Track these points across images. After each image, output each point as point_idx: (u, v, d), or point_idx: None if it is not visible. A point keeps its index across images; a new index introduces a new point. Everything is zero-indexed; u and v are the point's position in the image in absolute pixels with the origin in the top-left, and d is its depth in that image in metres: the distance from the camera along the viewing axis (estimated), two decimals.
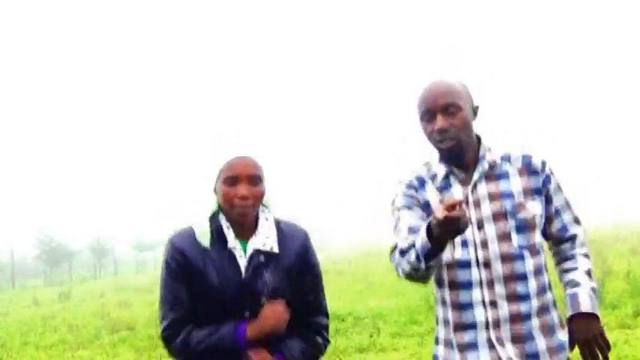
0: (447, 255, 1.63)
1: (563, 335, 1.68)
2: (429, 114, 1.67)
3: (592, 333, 1.60)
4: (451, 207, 1.38)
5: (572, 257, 1.74)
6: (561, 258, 1.77)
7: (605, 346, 1.60)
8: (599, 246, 13.10)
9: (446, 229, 1.40)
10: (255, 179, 1.69)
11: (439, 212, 1.38)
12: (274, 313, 1.66)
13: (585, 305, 1.62)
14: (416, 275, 1.60)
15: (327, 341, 1.82)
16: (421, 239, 1.50)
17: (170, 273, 1.71)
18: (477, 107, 1.74)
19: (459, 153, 1.68)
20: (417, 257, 1.52)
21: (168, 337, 1.69)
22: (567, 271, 1.73)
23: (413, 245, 1.56)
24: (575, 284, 1.67)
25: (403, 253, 1.61)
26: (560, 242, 1.75)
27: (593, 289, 1.66)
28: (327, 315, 1.84)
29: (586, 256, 1.74)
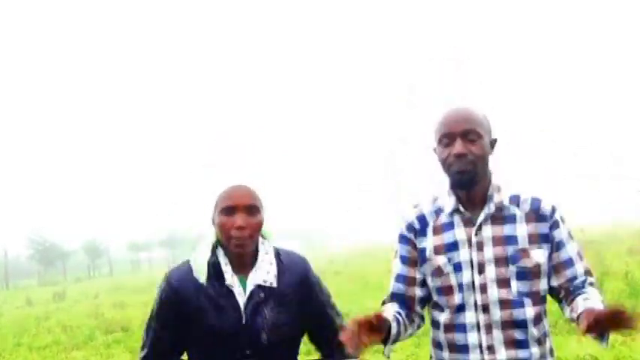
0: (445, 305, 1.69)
1: None
2: (448, 137, 1.60)
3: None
4: None
5: (583, 292, 1.59)
6: (571, 300, 1.61)
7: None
8: (597, 246, 13.10)
9: None
10: (252, 209, 1.66)
11: None
12: None
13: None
14: None
15: None
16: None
17: (160, 308, 1.71)
18: (495, 140, 1.67)
19: (471, 181, 1.61)
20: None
21: None
22: (582, 299, 1.54)
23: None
24: (589, 299, 1.53)
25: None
26: (570, 293, 1.62)
27: None
28: None
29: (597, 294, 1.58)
